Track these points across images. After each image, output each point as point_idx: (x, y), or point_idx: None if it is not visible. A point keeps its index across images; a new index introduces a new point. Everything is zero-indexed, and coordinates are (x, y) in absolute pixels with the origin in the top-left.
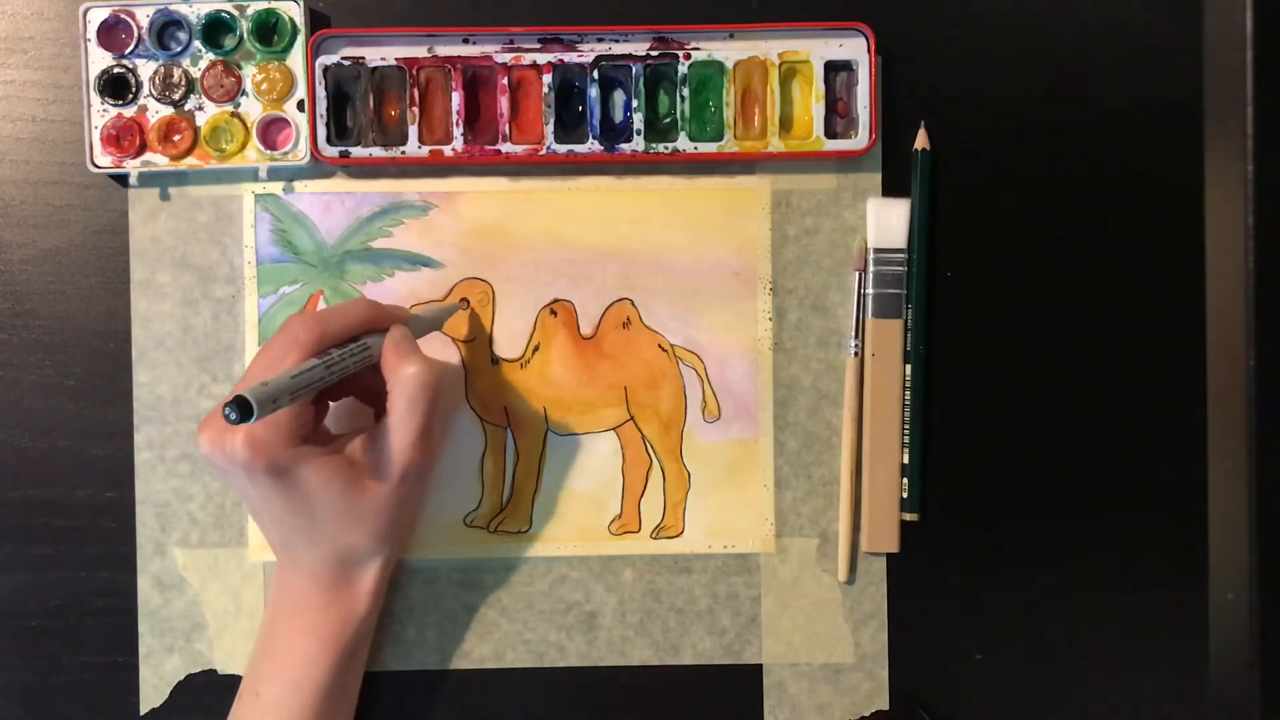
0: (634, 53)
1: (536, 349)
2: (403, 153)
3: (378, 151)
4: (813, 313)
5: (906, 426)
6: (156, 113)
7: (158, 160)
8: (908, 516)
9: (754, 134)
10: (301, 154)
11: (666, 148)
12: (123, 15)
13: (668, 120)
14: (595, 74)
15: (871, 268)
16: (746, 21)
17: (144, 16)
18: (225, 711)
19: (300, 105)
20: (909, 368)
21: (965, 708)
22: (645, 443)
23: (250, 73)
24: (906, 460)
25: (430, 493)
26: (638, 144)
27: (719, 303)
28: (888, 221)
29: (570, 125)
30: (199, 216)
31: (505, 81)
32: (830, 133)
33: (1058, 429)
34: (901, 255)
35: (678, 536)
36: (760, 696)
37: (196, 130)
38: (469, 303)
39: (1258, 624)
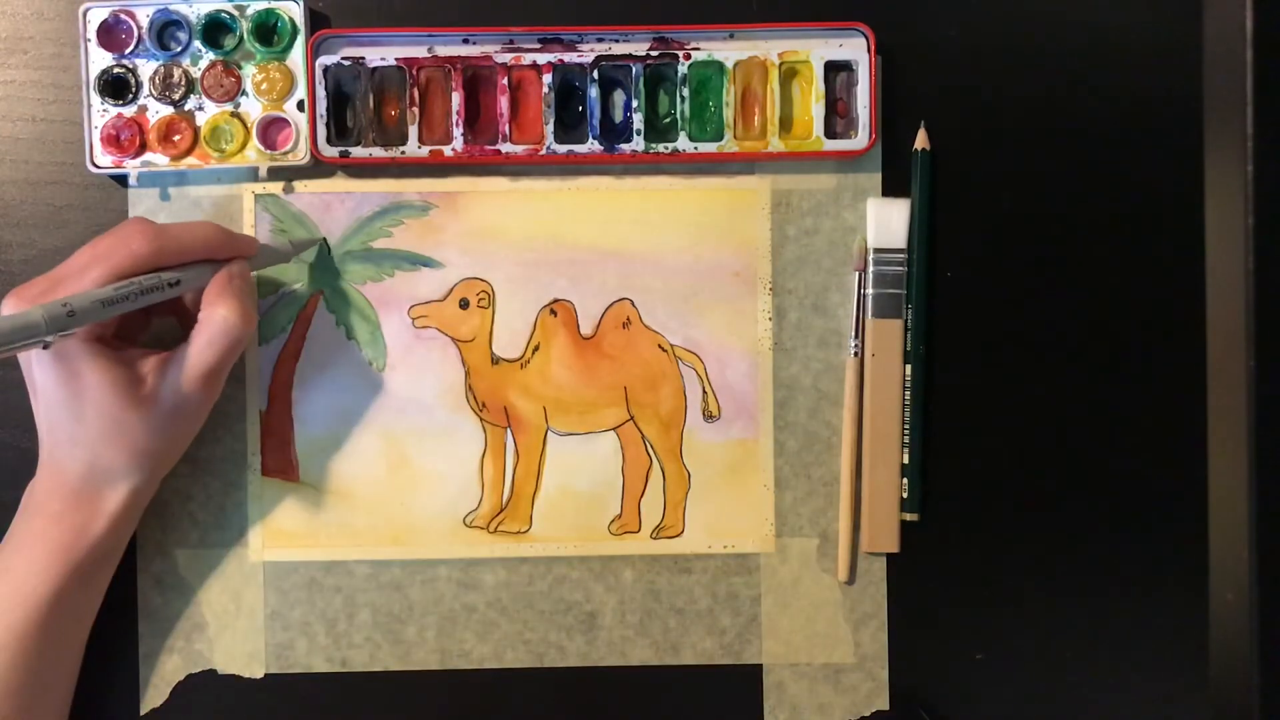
0: (634, 53)
1: (536, 349)
2: (403, 153)
3: (378, 151)
4: (813, 313)
5: (906, 426)
6: (156, 113)
7: (158, 160)
8: (908, 516)
9: (754, 134)
10: (301, 154)
11: (666, 148)
12: (123, 15)
13: (668, 120)
14: (595, 74)
15: (871, 268)
16: (746, 21)
17: (144, 16)
18: (225, 712)
19: (300, 105)
20: (909, 368)
21: (965, 708)
22: (645, 443)
23: (250, 73)
24: (906, 460)
25: (428, 493)
26: (638, 144)
27: (719, 303)
28: (888, 221)
29: (570, 125)
30: (199, 216)
31: (505, 81)
32: (830, 133)
33: (1057, 429)
34: (901, 255)
35: (678, 536)
36: (760, 696)
37: (196, 130)
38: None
39: (1258, 624)
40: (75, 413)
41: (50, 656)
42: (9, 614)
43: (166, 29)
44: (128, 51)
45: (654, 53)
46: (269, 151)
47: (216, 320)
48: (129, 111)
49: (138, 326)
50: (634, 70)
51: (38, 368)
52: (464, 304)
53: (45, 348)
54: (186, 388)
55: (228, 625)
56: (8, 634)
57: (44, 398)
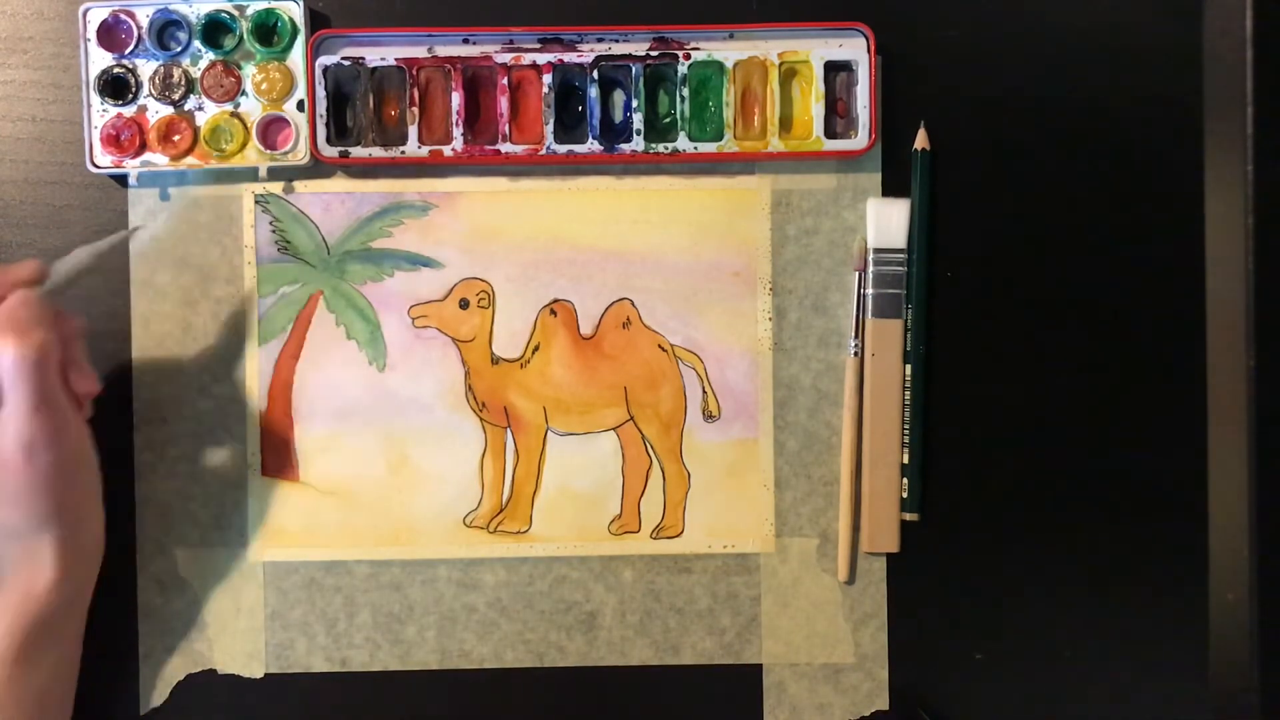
0: (634, 53)
1: (536, 349)
2: (403, 153)
3: (378, 151)
4: (813, 313)
5: (906, 426)
6: (156, 113)
7: (158, 160)
8: (908, 516)
9: (754, 134)
10: (301, 154)
11: (666, 148)
12: (123, 15)
13: (668, 120)
14: (595, 74)
15: (871, 268)
16: (746, 21)
17: (144, 16)
18: (225, 712)
19: (300, 105)
20: (909, 368)
21: (965, 708)
22: (645, 443)
23: (250, 73)
24: (906, 460)
25: (428, 493)
26: (638, 144)
27: (719, 303)
28: (888, 221)
29: (570, 125)
30: (199, 216)
31: (505, 81)
32: (830, 133)
33: (1057, 429)
34: (901, 255)
35: (678, 536)
36: (760, 696)
37: (196, 130)
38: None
39: (1258, 624)
40: None
41: (25, 709)
42: None
43: (166, 29)
44: (128, 51)
45: (654, 53)
46: (269, 151)
47: (5, 363)
48: (129, 111)
49: None
50: (634, 70)
51: None
52: (464, 304)
53: None
54: (24, 431)
55: (227, 625)
56: None
57: None
